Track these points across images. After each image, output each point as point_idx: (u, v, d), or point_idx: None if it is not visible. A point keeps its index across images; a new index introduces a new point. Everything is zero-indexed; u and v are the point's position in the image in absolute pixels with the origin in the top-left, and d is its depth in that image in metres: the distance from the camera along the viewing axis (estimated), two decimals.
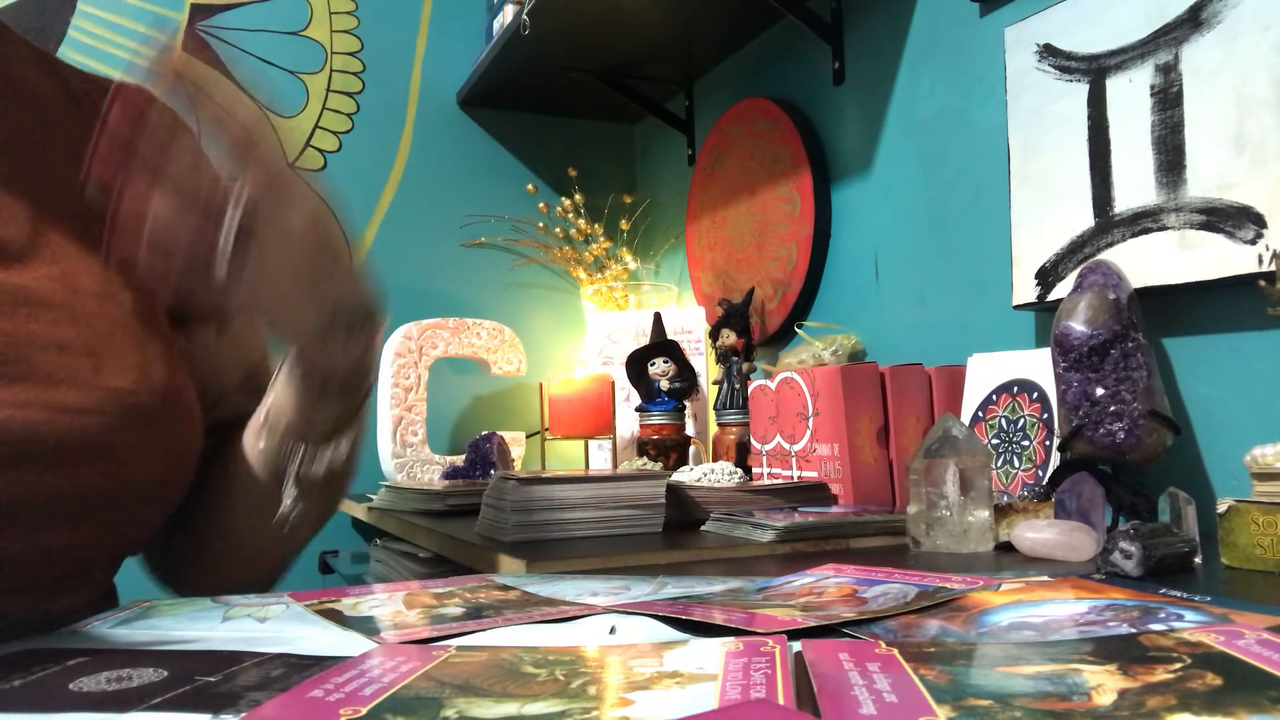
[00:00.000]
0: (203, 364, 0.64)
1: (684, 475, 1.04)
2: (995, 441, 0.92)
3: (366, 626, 0.46)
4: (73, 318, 0.53)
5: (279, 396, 0.59)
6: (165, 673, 0.37)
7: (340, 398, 0.57)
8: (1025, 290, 0.99)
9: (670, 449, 1.37)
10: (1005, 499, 0.84)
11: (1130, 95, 0.89)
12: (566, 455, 1.84)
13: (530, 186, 1.98)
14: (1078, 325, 0.76)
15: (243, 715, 0.31)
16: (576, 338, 1.95)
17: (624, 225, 1.97)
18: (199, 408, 0.61)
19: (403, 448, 1.65)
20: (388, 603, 0.52)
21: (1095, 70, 0.92)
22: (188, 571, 0.68)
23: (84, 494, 0.52)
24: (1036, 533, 0.67)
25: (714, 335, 1.41)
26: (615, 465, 1.42)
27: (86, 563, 0.56)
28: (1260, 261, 0.78)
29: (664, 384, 1.38)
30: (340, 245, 0.53)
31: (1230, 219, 0.80)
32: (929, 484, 0.73)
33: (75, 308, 0.54)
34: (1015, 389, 0.92)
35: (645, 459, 1.33)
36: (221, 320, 0.67)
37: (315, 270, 0.51)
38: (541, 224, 1.98)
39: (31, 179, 0.56)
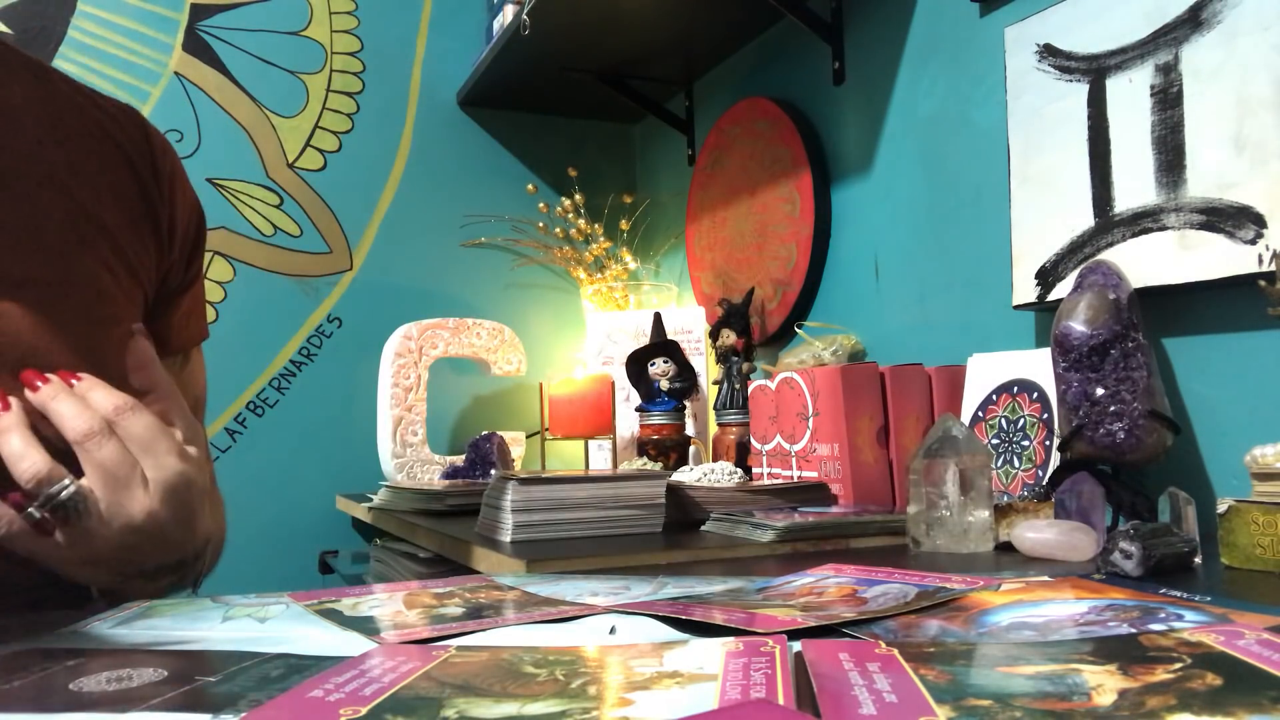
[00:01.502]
0: None
1: (684, 475, 1.04)
2: (995, 441, 0.92)
3: (366, 626, 0.46)
4: (50, 346, 0.55)
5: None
6: (165, 673, 0.37)
7: (154, 586, 0.58)
8: (1025, 290, 0.99)
9: (670, 449, 1.37)
10: (1005, 499, 0.84)
11: (1130, 95, 0.89)
12: (566, 455, 1.84)
13: (530, 186, 1.98)
14: (1078, 325, 0.76)
15: (243, 715, 0.31)
16: (576, 338, 1.95)
17: (624, 225, 1.97)
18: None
19: (403, 448, 1.65)
20: (388, 603, 0.52)
21: (1095, 70, 0.92)
22: None
23: None
24: (1036, 533, 0.67)
25: (714, 335, 1.41)
26: (615, 465, 1.42)
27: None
28: (1260, 261, 0.78)
29: (664, 384, 1.38)
30: (166, 528, 0.53)
31: (1230, 219, 0.80)
32: (929, 484, 0.73)
33: (56, 341, 0.56)
34: (1015, 389, 0.92)
35: (645, 459, 1.33)
36: (185, 356, 0.70)
37: (127, 551, 0.53)
38: (541, 224, 1.98)
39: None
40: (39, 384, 0.51)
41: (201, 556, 0.60)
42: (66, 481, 0.49)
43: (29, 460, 0.49)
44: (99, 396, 0.52)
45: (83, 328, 0.58)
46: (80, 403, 0.51)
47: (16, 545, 0.50)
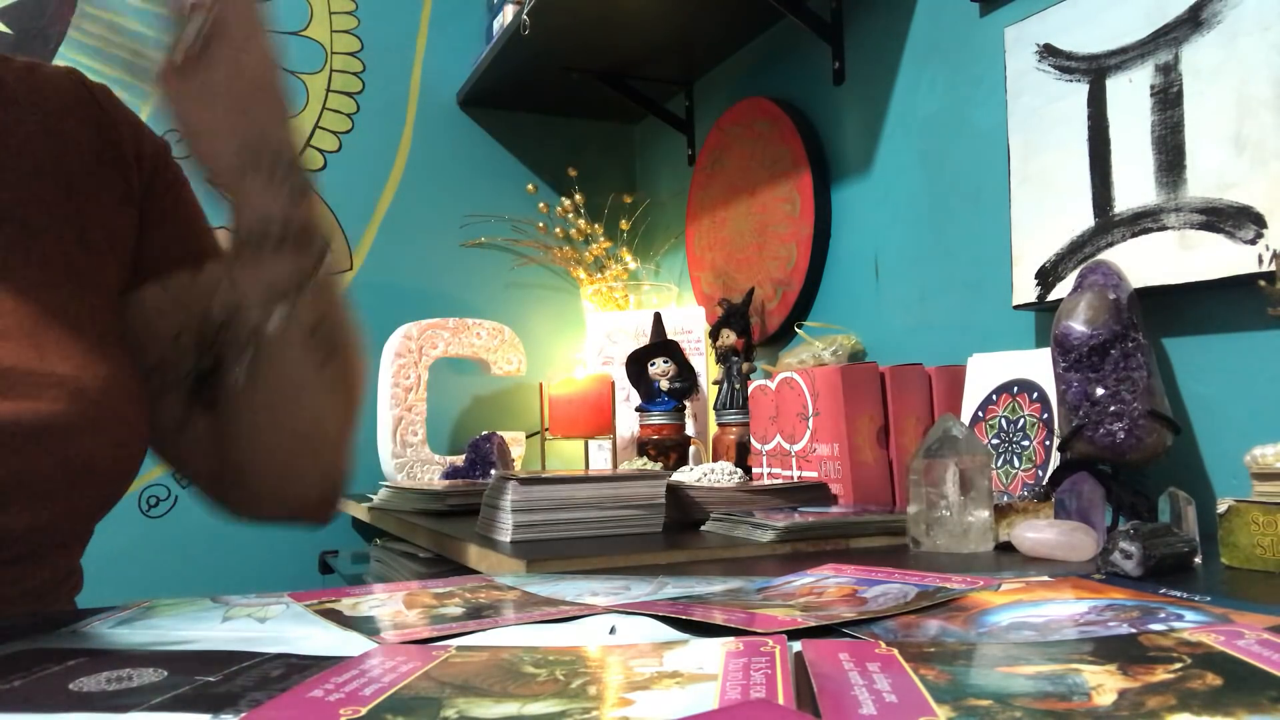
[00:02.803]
0: (170, 315, 0.64)
1: (684, 475, 1.04)
2: (995, 441, 0.92)
3: (366, 626, 0.46)
4: (14, 308, 0.54)
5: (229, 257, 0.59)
6: (165, 673, 0.37)
7: (286, 253, 0.57)
8: (1025, 290, 0.99)
9: (670, 449, 1.37)
10: (1005, 499, 0.84)
11: (1130, 95, 0.89)
12: (566, 455, 1.84)
13: (530, 186, 1.98)
14: (1078, 325, 0.76)
15: (243, 715, 0.31)
16: (576, 338, 1.95)
17: (624, 225, 1.97)
18: (144, 392, 0.62)
19: (403, 448, 1.65)
20: (388, 603, 0.52)
21: (1095, 70, 0.92)
22: (242, 488, 0.67)
23: (32, 477, 0.53)
24: (1036, 533, 0.67)
25: (714, 335, 1.41)
26: (615, 465, 1.42)
27: (39, 543, 0.57)
28: (1260, 261, 0.78)
29: (664, 384, 1.38)
30: (281, 94, 0.55)
31: (1230, 219, 0.80)
32: (929, 484, 0.73)
33: (15, 298, 0.54)
34: (1015, 389, 0.92)
35: (645, 459, 1.33)
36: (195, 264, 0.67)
37: (251, 103, 0.54)
38: (541, 224, 1.98)
39: None
40: None
41: (315, 213, 0.58)
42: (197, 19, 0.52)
43: None
44: None
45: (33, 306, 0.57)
46: None
47: (166, 89, 0.53)
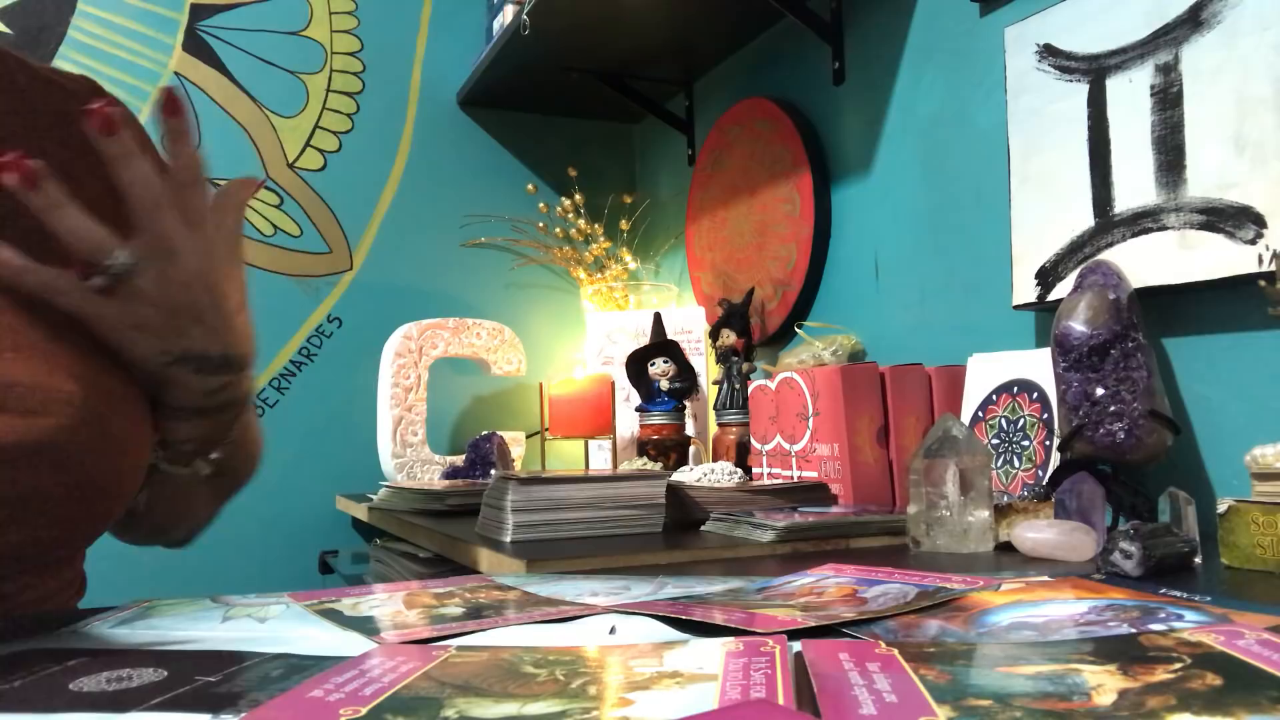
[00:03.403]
0: None
1: (684, 475, 1.04)
2: (995, 441, 0.92)
3: (366, 626, 0.46)
4: (26, 322, 0.54)
5: None
6: (165, 673, 0.37)
7: (199, 422, 0.61)
8: (1025, 290, 0.99)
9: (670, 449, 1.37)
10: (1005, 499, 0.84)
11: (1130, 95, 0.89)
12: (566, 455, 1.84)
13: (530, 186, 1.98)
14: (1078, 325, 0.76)
15: (243, 715, 0.31)
16: (576, 338, 1.95)
17: (624, 225, 1.97)
18: (148, 411, 0.62)
19: (403, 448, 1.65)
20: (388, 603, 0.52)
21: (1095, 70, 0.92)
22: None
23: (39, 493, 0.53)
24: (1036, 533, 0.67)
25: (714, 335, 1.41)
26: (615, 465, 1.42)
27: (41, 559, 0.58)
28: (1260, 261, 0.78)
29: (664, 384, 1.38)
30: (212, 301, 0.56)
31: (1230, 219, 0.80)
32: (929, 484, 0.73)
33: (26, 312, 0.55)
34: (1015, 389, 0.92)
35: (645, 459, 1.33)
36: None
37: (175, 315, 0.56)
38: (541, 224, 1.98)
39: None
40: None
41: (247, 369, 0.61)
42: (123, 254, 0.52)
43: (96, 233, 0.52)
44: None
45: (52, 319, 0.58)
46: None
47: (86, 311, 0.53)
